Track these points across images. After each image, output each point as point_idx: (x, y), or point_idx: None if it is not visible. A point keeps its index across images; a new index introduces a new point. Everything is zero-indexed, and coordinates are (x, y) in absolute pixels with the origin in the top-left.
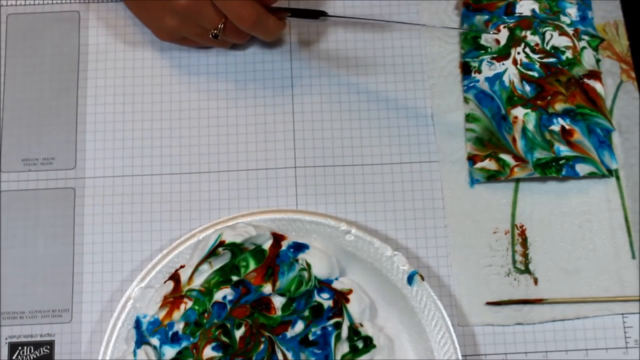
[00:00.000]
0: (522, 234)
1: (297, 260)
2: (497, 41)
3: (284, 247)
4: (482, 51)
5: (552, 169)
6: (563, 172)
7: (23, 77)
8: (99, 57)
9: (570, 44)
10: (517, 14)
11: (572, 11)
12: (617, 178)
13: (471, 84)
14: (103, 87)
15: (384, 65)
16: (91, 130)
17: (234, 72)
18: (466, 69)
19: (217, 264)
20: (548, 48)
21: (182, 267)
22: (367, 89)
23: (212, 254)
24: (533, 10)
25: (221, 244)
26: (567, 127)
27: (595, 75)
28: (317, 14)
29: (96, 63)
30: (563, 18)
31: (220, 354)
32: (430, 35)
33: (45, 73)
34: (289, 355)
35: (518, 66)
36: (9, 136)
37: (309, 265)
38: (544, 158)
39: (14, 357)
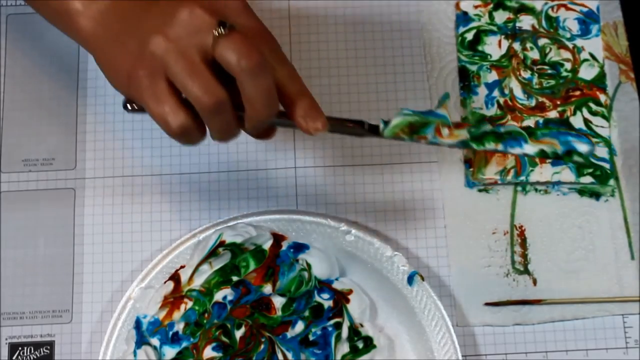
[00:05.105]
0: (522, 234)
1: (297, 261)
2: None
3: (284, 248)
4: (481, 57)
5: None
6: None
7: (23, 77)
8: None
9: (570, 57)
10: (518, 27)
11: (572, 25)
12: (617, 179)
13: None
14: (103, 87)
15: (384, 66)
16: (91, 131)
17: None
18: (463, 74)
19: (218, 264)
20: (547, 61)
21: (182, 267)
22: (367, 89)
23: (213, 254)
24: (532, 25)
25: (221, 244)
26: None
27: (596, 85)
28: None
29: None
30: (562, 32)
31: (220, 354)
32: (430, 35)
33: (45, 73)
34: (289, 355)
35: (519, 77)
36: (9, 136)
37: (309, 265)
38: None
39: (14, 358)
